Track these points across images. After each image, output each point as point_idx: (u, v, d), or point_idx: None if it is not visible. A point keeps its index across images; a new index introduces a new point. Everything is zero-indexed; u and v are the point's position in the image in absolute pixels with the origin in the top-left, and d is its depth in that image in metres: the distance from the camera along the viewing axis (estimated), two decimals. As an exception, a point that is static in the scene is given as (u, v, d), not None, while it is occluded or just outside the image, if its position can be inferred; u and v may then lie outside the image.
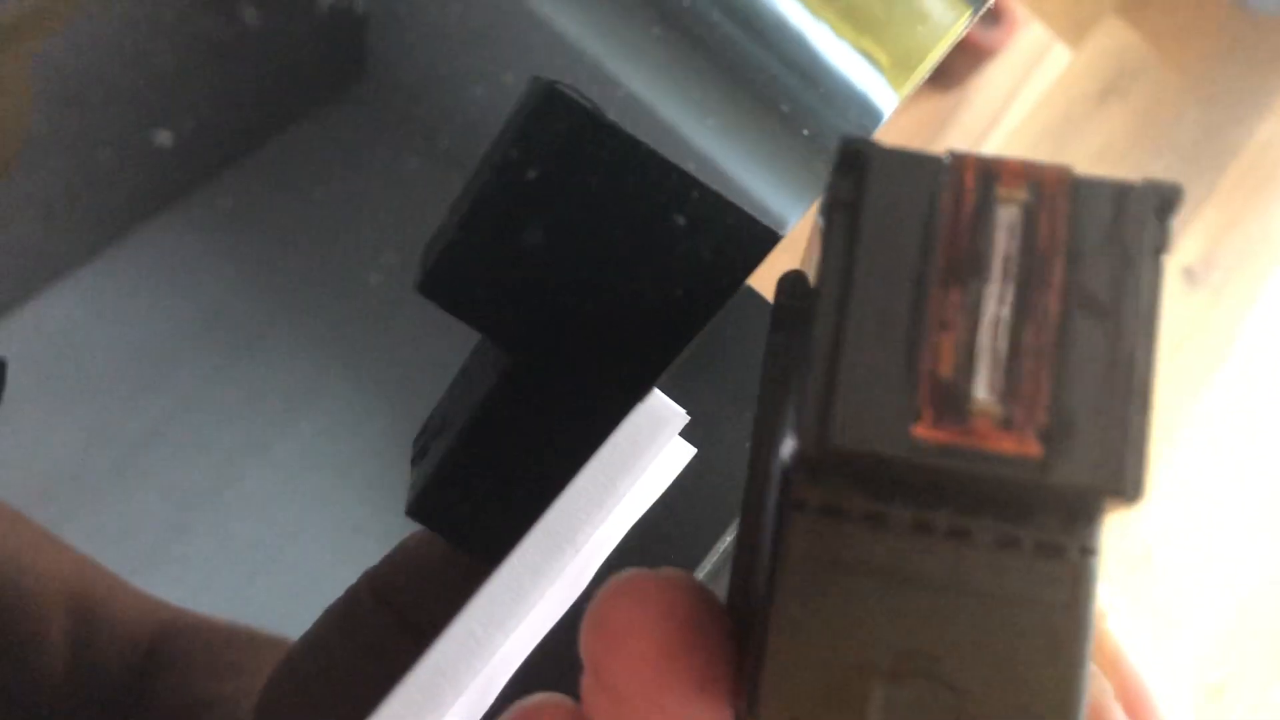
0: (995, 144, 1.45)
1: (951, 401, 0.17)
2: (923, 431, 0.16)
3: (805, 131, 0.31)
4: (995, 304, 0.17)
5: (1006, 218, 0.17)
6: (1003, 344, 0.17)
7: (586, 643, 0.17)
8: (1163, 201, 0.18)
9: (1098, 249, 0.17)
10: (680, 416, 0.38)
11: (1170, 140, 1.53)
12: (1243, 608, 1.35)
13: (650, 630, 0.17)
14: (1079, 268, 0.17)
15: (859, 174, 0.18)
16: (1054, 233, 0.17)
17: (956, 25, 0.33)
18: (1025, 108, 1.48)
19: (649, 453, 0.38)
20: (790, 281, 0.22)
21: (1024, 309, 0.17)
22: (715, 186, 0.29)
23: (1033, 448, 0.16)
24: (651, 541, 0.39)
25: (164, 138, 0.26)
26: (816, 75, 0.31)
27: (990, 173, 0.17)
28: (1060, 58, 1.51)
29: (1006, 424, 0.16)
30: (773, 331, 0.22)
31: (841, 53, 0.32)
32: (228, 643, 0.28)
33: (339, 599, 0.27)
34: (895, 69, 0.32)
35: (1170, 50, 1.57)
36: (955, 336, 0.17)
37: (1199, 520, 1.37)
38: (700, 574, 0.41)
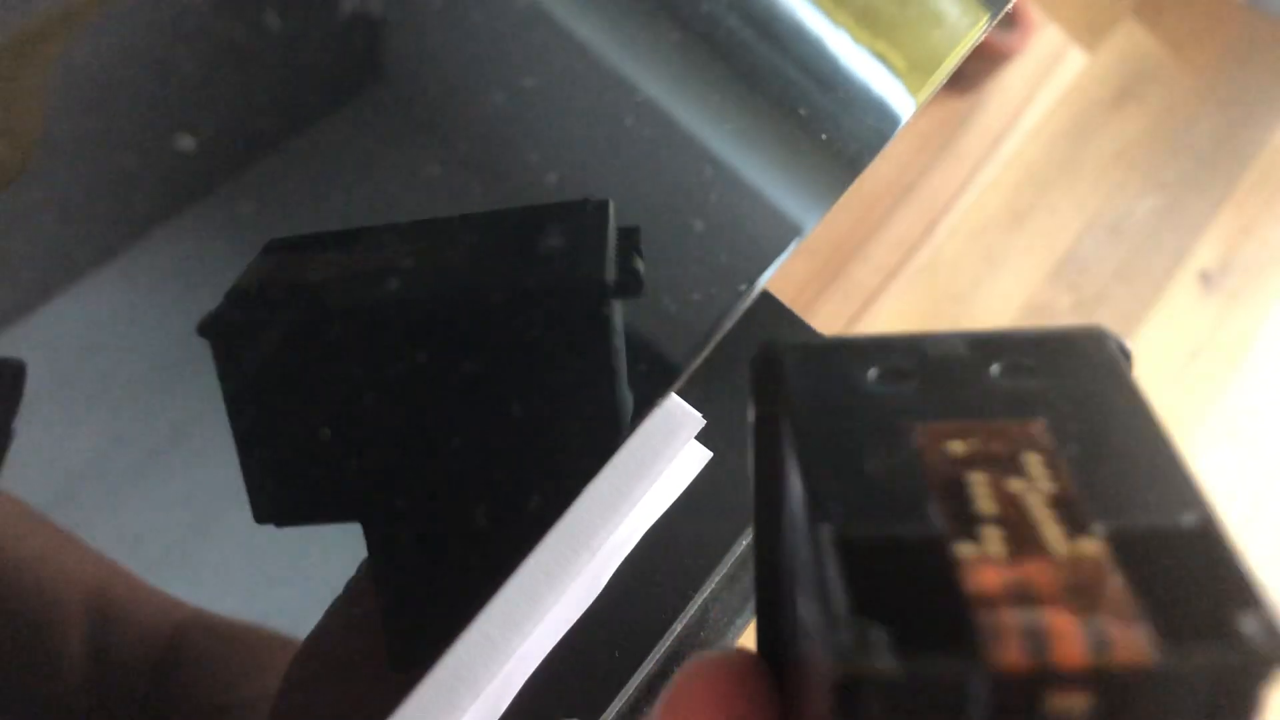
0: (1012, 146, 1.44)
1: None
2: None
3: (824, 135, 0.31)
4: None
5: None
6: None
7: None
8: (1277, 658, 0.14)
9: None
10: (696, 420, 0.38)
11: (1186, 143, 1.53)
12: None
13: (712, 707, 0.17)
14: None
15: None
16: None
17: (973, 30, 0.33)
18: (1041, 111, 1.47)
19: (665, 456, 0.38)
20: (764, 362, 0.19)
21: None
22: (733, 190, 0.29)
23: None
24: (669, 545, 0.39)
25: (185, 142, 0.27)
26: (835, 80, 0.31)
27: (1040, 677, 0.14)
28: (1076, 61, 1.51)
29: None
30: (755, 406, 0.19)
31: (859, 58, 0.32)
32: (245, 642, 0.28)
33: (341, 593, 0.28)
34: (912, 72, 0.32)
35: (1186, 53, 1.56)
36: None
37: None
38: (718, 576, 0.41)
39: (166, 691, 0.27)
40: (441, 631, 0.29)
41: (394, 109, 0.29)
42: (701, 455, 0.40)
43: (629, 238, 0.30)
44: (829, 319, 1.31)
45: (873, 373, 0.18)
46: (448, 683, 0.34)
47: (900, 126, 0.31)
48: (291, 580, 0.28)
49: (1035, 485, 0.15)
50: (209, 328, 0.27)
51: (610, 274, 0.28)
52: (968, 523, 0.15)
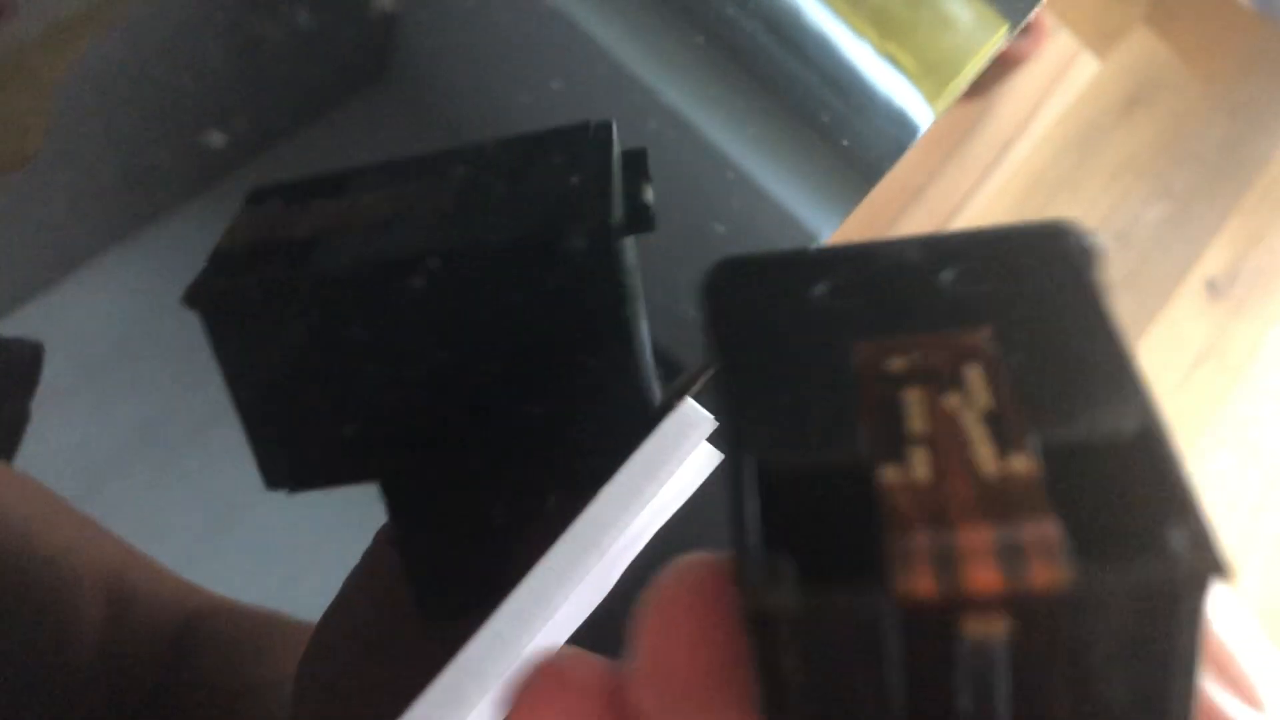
0: (1022, 151, 1.44)
1: None
2: None
3: (844, 142, 0.31)
4: None
5: (982, 654, 0.13)
6: None
7: (632, 625, 0.17)
8: (1204, 575, 0.13)
9: (1118, 658, 0.13)
10: (709, 421, 0.38)
11: (1195, 151, 1.53)
12: (1269, 618, 1.34)
13: (675, 604, 0.17)
14: (1095, 684, 0.13)
15: (775, 618, 0.14)
16: (1052, 661, 0.13)
17: (993, 40, 0.33)
18: (1051, 116, 1.47)
19: (676, 457, 0.38)
20: (713, 277, 0.18)
21: None
22: (754, 195, 0.29)
23: None
24: (679, 545, 0.39)
25: (211, 136, 0.27)
26: (855, 88, 0.31)
27: (950, 607, 0.13)
28: (1088, 67, 1.51)
29: None
30: (704, 324, 0.18)
31: (880, 67, 0.32)
32: (262, 626, 0.28)
33: (358, 563, 0.28)
34: (932, 82, 0.32)
35: (1197, 61, 1.56)
36: None
37: (1223, 532, 1.36)
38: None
39: (183, 675, 0.27)
40: (456, 629, 0.29)
41: (418, 107, 0.29)
42: (712, 457, 0.40)
43: (636, 163, 0.28)
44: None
45: (820, 288, 0.17)
46: (457, 679, 0.34)
47: (919, 136, 0.32)
48: (307, 571, 0.28)
49: (972, 400, 0.15)
50: (195, 297, 0.26)
51: (617, 210, 0.26)
52: (898, 444, 0.14)
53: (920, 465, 0.14)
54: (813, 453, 0.15)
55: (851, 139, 0.31)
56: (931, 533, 0.13)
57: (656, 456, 0.37)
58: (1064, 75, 1.49)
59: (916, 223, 1.37)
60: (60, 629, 0.26)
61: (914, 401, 0.15)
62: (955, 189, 1.40)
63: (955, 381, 0.15)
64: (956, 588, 0.13)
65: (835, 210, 0.31)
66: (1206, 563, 0.13)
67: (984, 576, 0.13)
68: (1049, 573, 0.13)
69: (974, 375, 0.15)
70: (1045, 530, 0.13)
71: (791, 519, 0.14)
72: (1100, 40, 1.53)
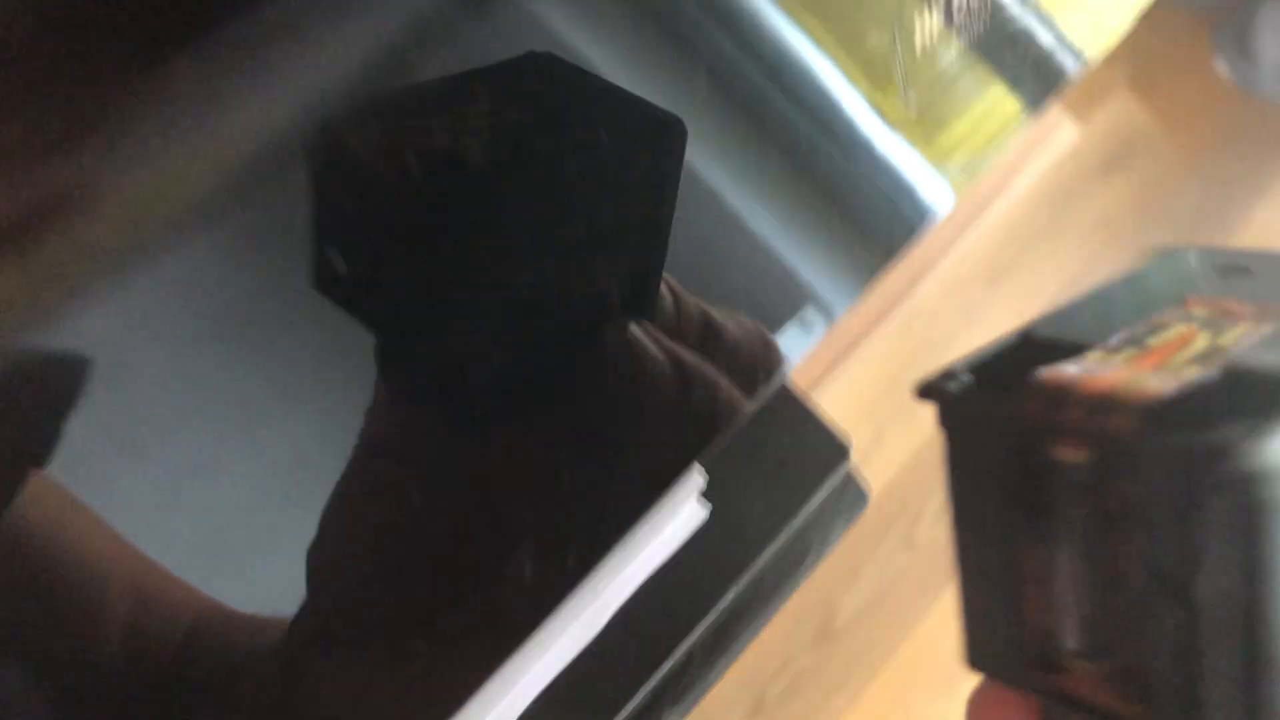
0: (1000, 207, 1.46)
1: (1049, 651, 0.17)
2: (1032, 672, 0.18)
3: (865, 224, 0.32)
4: (1072, 563, 0.17)
5: (1068, 477, 0.17)
6: (1085, 602, 0.17)
7: None
8: (1238, 464, 0.15)
9: (1167, 520, 0.16)
10: (699, 480, 0.40)
11: (1169, 215, 1.55)
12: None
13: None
14: (1150, 536, 0.16)
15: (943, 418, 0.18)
16: (1121, 497, 0.16)
17: (1011, 128, 0.34)
18: (1031, 176, 1.50)
19: (668, 509, 0.39)
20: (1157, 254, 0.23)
21: (1101, 572, 0.17)
22: (781, 276, 0.30)
23: (1134, 708, 0.17)
24: (667, 589, 0.41)
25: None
26: (880, 176, 0.32)
27: (1047, 429, 0.17)
28: (1069, 131, 1.53)
29: (1104, 679, 0.17)
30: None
31: (906, 153, 0.33)
32: (260, 619, 0.30)
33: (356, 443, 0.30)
34: (910, 125, 0.33)
35: (1176, 129, 1.59)
36: (1041, 590, 0.17)
37: None
38: (704, 626, 0.43)
39: (189, 656, 0.29)
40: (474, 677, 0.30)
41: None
42: (701, 509, 0.42)
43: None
44: (810, 363, 1.33)
45: (1213, 266, 0.21)
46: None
47: (936, 220, 0.33)
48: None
49: (1209, 338, 0.18)
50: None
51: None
52: (1128, 349, 0.18)
53: (1121, 356, 0.18)
54: (1069, 334, 0.19)
55: (872, 222, 0.32)
56: (1063, 383, 0.17)
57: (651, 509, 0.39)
58: (1046, 137, 1.52)
59: (890, 277, 1.39)
60: (92, 627, 0.28)
61: (1169, 329, 0.18)
62: (931, 243, 1.42)
63: (1220, 327, 0.18)
64: (1051, 415, 0.16)
65: (853, 286, 0.32)
66: (1225, 450, 0.15)
67: (1072, 413, 0.16)
68: (1122, 420, 0.16)
69: (1235, 330, 0.18)
70: (1144, 397, 0.16)
71: (1001, 363, 0.19)
72: (1082, 103, 1.55)
